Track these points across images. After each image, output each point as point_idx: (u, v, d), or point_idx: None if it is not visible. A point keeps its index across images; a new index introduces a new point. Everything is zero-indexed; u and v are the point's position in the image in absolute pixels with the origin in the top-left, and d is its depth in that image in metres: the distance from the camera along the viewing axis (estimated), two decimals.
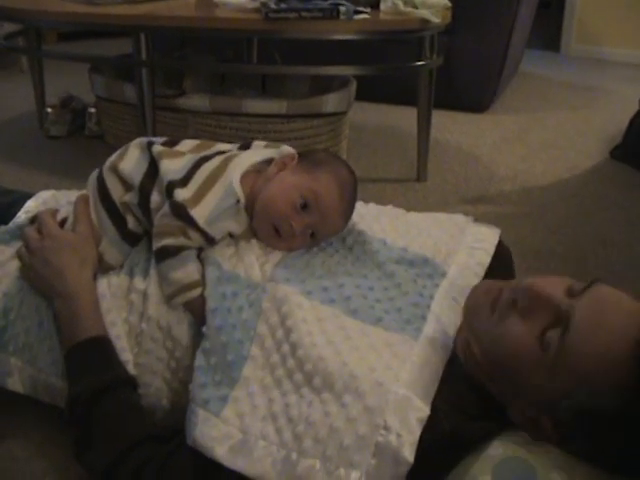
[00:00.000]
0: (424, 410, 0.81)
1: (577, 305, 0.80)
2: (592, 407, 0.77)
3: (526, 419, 0.85)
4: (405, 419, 0.80)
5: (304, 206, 1.01)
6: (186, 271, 0.97)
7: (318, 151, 1.14)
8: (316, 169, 1.04)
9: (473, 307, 0.92)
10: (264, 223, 1.02)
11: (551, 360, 0.79)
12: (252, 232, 1.04)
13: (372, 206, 1.20)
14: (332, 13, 1.81)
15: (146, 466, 0.87)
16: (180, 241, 0.97)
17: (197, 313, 0.96)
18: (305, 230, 1.02)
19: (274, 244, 1.03)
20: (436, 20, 1.91)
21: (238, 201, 1.00)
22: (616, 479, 0.81)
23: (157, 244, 0.98)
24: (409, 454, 0.78)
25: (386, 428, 0.79)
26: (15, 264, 1.07)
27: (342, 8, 1.80)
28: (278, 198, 1.01)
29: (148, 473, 0.86)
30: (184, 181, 0.99)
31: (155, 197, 1.01)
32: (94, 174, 1.09)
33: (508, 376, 0.85)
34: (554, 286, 0.85)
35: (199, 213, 0.97)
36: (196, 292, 0.96)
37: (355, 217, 1.09)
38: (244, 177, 1.02)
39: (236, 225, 1.02)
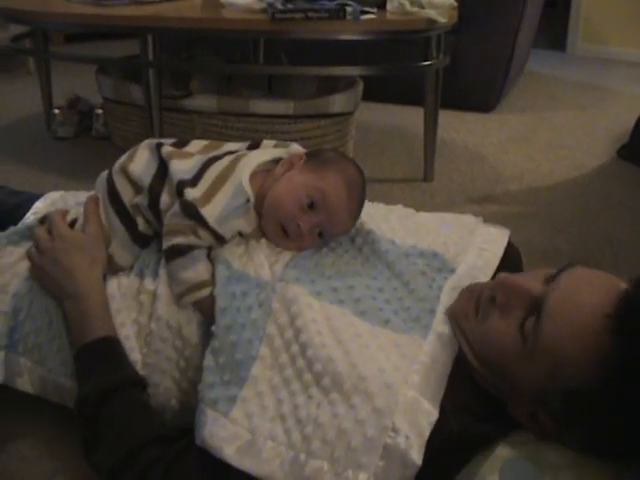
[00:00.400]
0: (433, 412, 0.82)
1: (550, 290, 0.81)
2: (578, 388, 0.77)
3: (525, 416, 0.85)
4: (414, 421, 0.80)
5: (311, 205, 1.01)
6: (196, 270, 0.97)
7: (326, 150, 1.14)
8: (323, 168, 1.04)
9: (459, 311, 0.92)
10: (272, 223, 1.02)
11: (530, 348, 0.80)
12: (262, 231, 1.04)
13: (381, 206, 1.20)
14: (338, 13, 1.81)
15: (153, 467, 0.87)
16: (190, 240, 0.97)
17: (206, 312, 0.96)
18: (312, 230, 1.02)
19: (282, 244, 1.03)
20: (442, 20, 1.90)
21: (248, 200, 1.00)
22: (624, 475, 0.81)
23: (167, 243, 0.98)
24: (417, 456, 0.78)
25: (395, 430, 0.79)
26: (25, 264, 1.07)
27: (348, 8, 1.81)
28: (285, 198, 1.01)
29: (155, 474, 0.86)
30: (194, 181, 1.00)
31: (165, 198, 1.01)
32: (103, 175, 1.09)
33: (499, 373, 0.85)
34: (530, 278, 0.86)
35: (209, 212, 0.97)
36: (206, 291, 0.96)
37: (363, 216, 1.09)
38: (253, 176, 1.02)
39: (246, 224, 1.02)
